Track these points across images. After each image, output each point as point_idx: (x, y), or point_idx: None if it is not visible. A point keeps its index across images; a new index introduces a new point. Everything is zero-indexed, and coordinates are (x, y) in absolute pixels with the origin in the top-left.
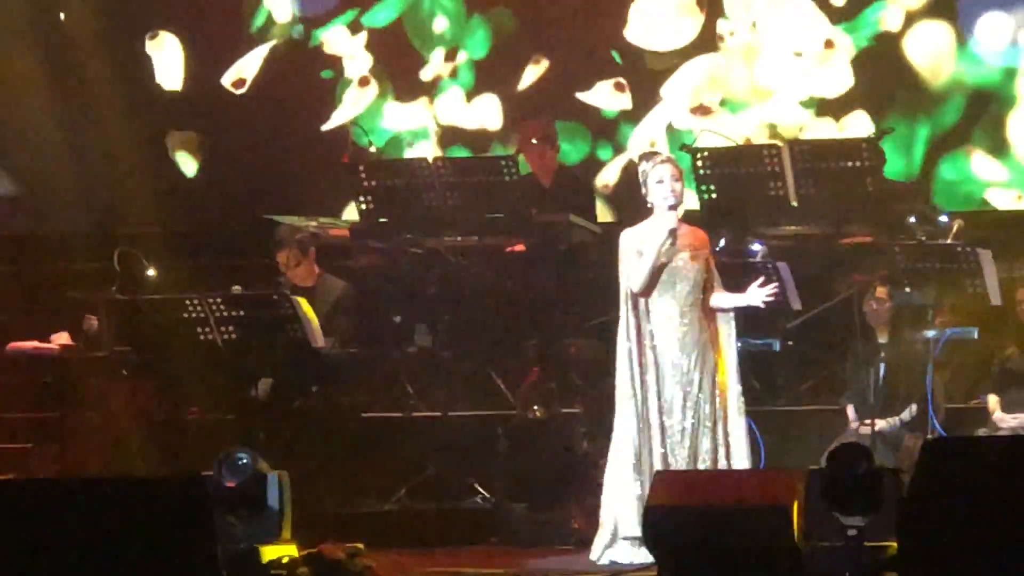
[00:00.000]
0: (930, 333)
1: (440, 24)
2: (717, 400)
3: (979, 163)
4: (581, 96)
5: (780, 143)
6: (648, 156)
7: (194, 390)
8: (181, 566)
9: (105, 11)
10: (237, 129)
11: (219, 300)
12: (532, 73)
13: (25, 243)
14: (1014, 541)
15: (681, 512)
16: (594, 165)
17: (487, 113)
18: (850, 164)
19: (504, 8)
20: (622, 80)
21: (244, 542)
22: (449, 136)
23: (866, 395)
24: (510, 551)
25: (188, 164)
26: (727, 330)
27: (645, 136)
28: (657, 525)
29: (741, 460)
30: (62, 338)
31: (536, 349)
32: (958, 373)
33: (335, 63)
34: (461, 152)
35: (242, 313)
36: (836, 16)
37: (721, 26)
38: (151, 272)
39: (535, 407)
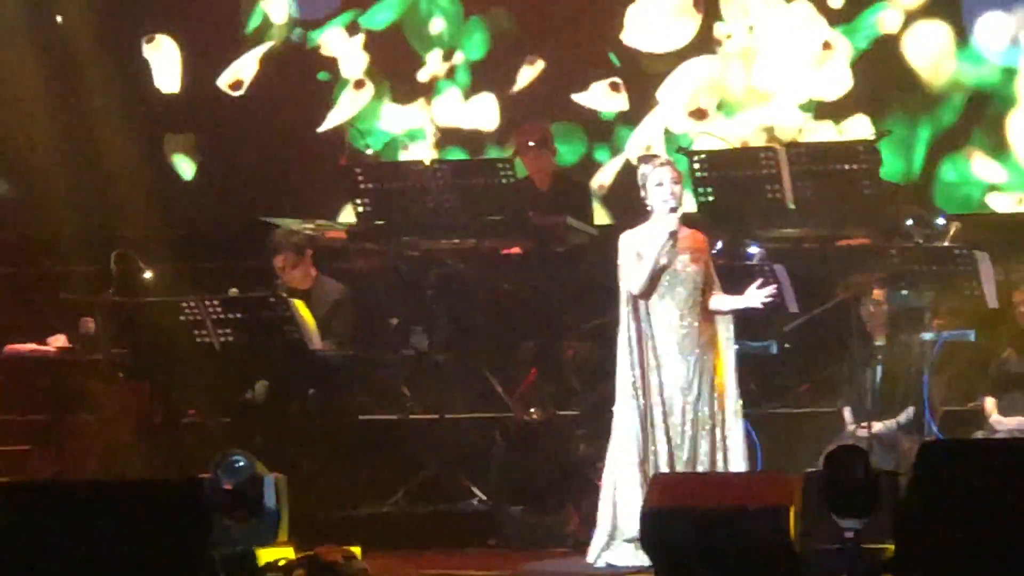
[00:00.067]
0: (927, 336)
1: (438, 25)
2: (715, 403)
3: (979, 165)
4: (577, 97)
5: (777, 146)
6: (647, 159)
7: (191, 393)
8: (178, 569)
9: (102, 13)
10: (234, 131)
11: (216, 303)
12: (527, 74)
13: (22, 245)
14: (1011, 543)
15: (678, 515)
16: (590, 166)
17: (484, 114)
18: (847, 167)
19: (502, 9)
20: (617, 80)
21: (241, 545)
22: (446, 137)
23: (863, 397)
24: (507, 553)
25: (185, 166)
26: (725, 332)
27: (642, 140)
28: (654, 528)
29: (738, 462)
30: (59, 340)
31: (533, 351)
32: (955, 376)
33: (332, 65)
34: (458, 154)
35: (239, 315)
36: (834, 18)
37: (718, 29)
38: (148, 274)
39: (532, 409)
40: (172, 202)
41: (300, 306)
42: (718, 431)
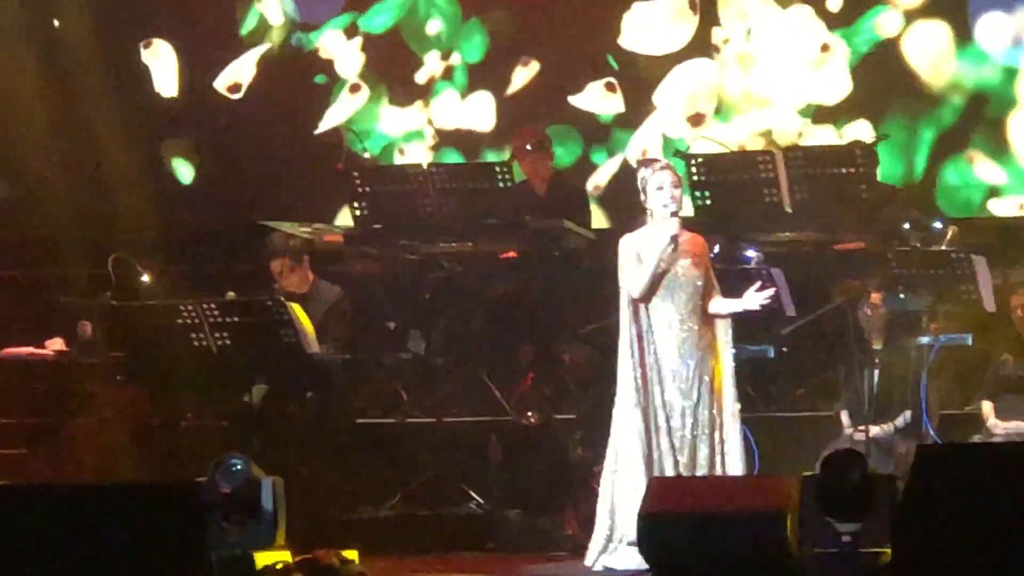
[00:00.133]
0: (924, 339)
1: (437, 27)
2: (714, 406)
3: (980, 167)
4: (573, 100)
5: (774, 150)
6: (647, 163)
7: (188, 396)
8: (175, 572)
9: (99, 17)
10: (232, 135)
11: (213, 306)
12: (521, 75)
13: (19, 248)
14: (1008, 547)
15: (675, 519)
16: (587, 168)
17: (483, 116)
18: (844, 170)
19: (501, 12)
20: (613, 80)
21: (238, 548)
22: (444, 139)
23: (860, 401)
24: (504, 557)
25: (183, 170)
26: (724, 336)
27: (640, 144)
28: (652, 532)
29: (736, 466)
30: (56, 344)
31: (530, 355)
32: (952, 379)
33: (331, 68)
34: (455, 156)
35: (236, 319)
36: (833, 22)
37: (716, 34)
38: (145, 278)
39: (529, 413)
40: (170, 205)
41: (297, 310)
42: (717, 435)
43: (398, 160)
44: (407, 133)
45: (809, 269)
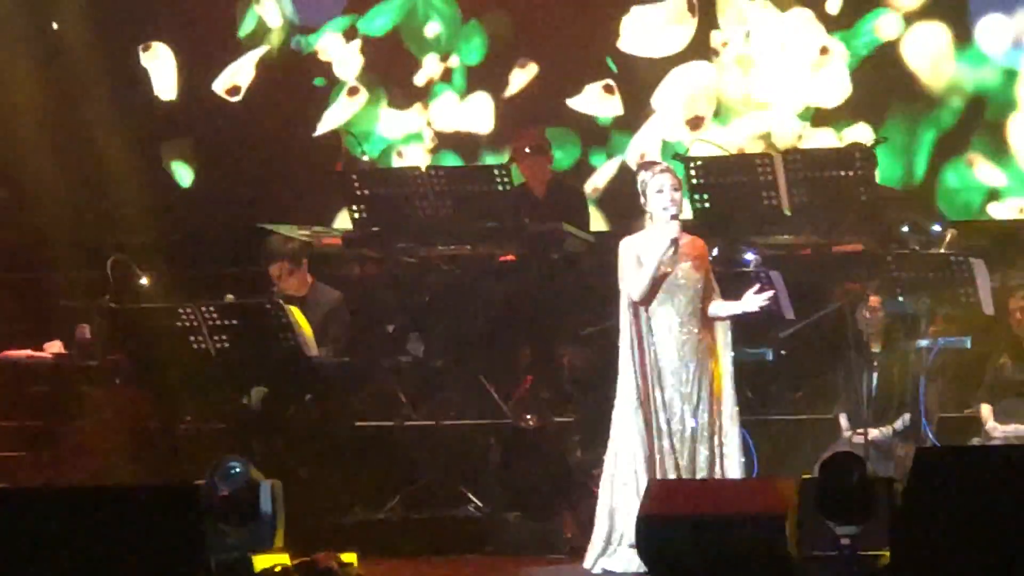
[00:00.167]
0: (923, 342)
1: (436, 29)
2: (713, 409)
3: (980, 170)
4: (572, 102)
5: (773, 152)
6: (647, 165)
7: (187, 399)
8: (174, 575)
9: (98, 19)
10: (230, 137)
11: (212, 309)
12: (520, 77)
13: (18, 251)
14: (1007, 550)
15: (674, 521)
16: (586, 170)
17: (481, 118)
18: (843, 173)
19: (500, 14)
20: (611, 82)
21: (237, 551)
22: (443, 141)
23: (859, 404)
24: (503, 560)
25: (183, 173)
26: (724, 339)
27: (639, 148)
28: (651, 534)
29: (734, 469)
30: (55, 347)
31: (529, 358)
32: (951, 382)
33: (330, 70)
34: (453, 158)
35: (235, 322)
36: (832, 25)
37: (715, 37)
38: (144, 281)
39: (528, 416)
40: (169, 208)
41: (296, 313)
42: (716, 438)
43: (396, 163)
44: (406, 135)
45: (808, 272)
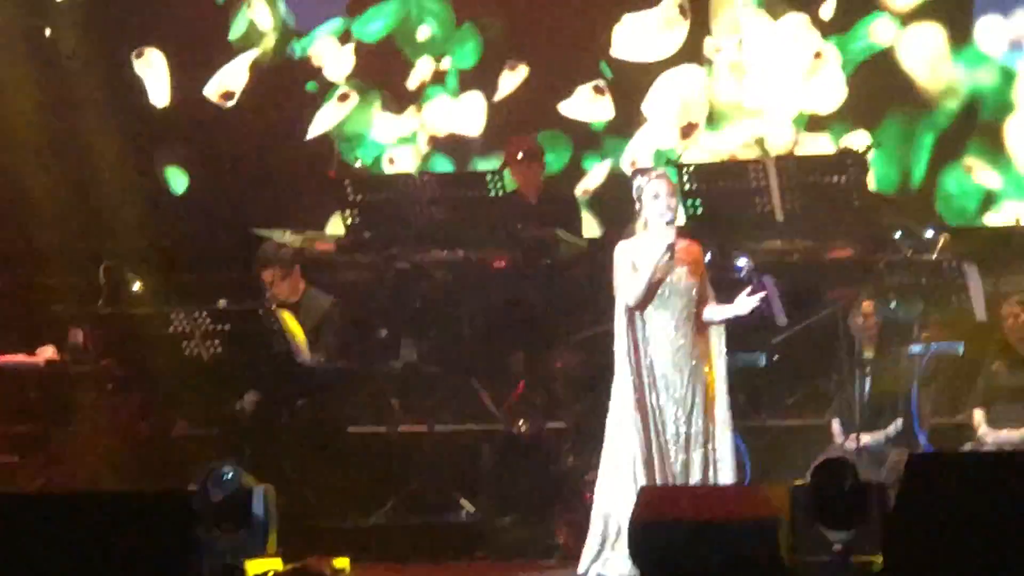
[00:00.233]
0: (916, 348)
1: (431, 33)
2: (707, 415)
3: (979, 174)
4: (563, 106)
5: (766, 158)
6: (643, 171)
7: (180, 404)
8: None
9: (91, 27)
10: (223, 142)
11: (205, 314)
12: (510, 79)
13: (10, 256)
14: (998, 556)
15: (667, 527)
16: (577, 174)
17: (475, 122)
18: (835, 179)
19: (494, 18)
20: (601, 83)
21: (229, 556)
22: (436, 145)
23: (852, 410)
24: (495, 565)
25: (176, 179)
26: (718, 344)
27: (632, 154)
28: (643, 540)
29: (727, 475)
30: (47, 352)
31: (522, 363)
32: (943, 388)
33: (324, 75)
34: (445, 162)
35: (228, 327)
36: (827, 29)
37: (708, 44)
38: (137, 286)
39: (520, 421)
40: (162, 214)
41: (288, 318)
42: (709, 443)
43: (388, 168)
44: (400, 139)
45: (800, 277)
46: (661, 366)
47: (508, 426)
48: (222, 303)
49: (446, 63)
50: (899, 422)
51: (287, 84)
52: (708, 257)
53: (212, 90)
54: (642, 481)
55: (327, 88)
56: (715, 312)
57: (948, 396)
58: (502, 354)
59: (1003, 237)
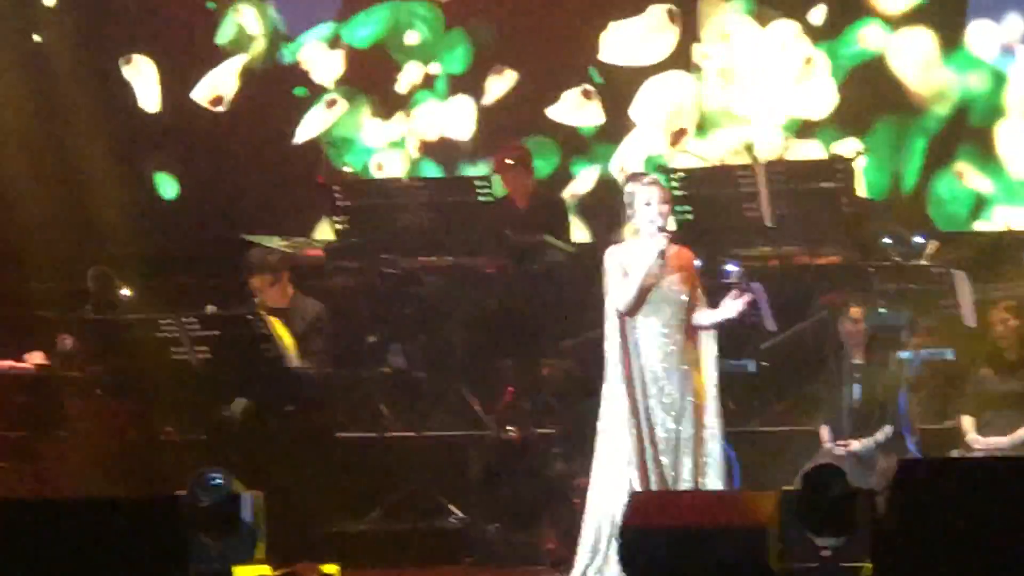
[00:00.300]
0: (905, 354)
1: (421, 39)
2: (697, 421)
3: (970, 179)
4: (551, 111)
5: (755, 164)
6: (635, 177)
7: (168, 410)
8: None
9: (80, 33)
10: (212, 148)
11: (193, 320)
12: (497, 84)
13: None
14: (988, 562)
15: (656, 533)
16: (566, 179)
17: (464, 126)
18: (824, 185)
19: (484, 23)
20: (589, 87)
21: (218, 562)
22: (426, 150)
23: (841, 416)
24: (484, 571)
25: (166, 184)
26: (709, 350)
27: (621, 160)
28: (632, 546)
29: (717, 481)
30: (36, 357)
31: (511, 369)
32: (933, 394)
33: (313, 80)
34: (434, 168)
35: (216, 333)
36: (818, 35)
37: (697, 50)
38: (125, 292)
39: (509, 427)
40: (151, 220)
41: (277, 324)
42: (699, 449)
43: (376, 174)
44: (390, 143)
45: (790, 284)
46: (651, 371)
47: (497, 432)
48: (211, 309)
49: (436, 68)
50: (888, 428)
51: (277, 89)
52: (697, 263)
53: (201, 95)
54: (635, 487)
55: (317, 93)
56: (703, 317)
57: (937, 402)
58: (491, 360)
59: (992, 243)
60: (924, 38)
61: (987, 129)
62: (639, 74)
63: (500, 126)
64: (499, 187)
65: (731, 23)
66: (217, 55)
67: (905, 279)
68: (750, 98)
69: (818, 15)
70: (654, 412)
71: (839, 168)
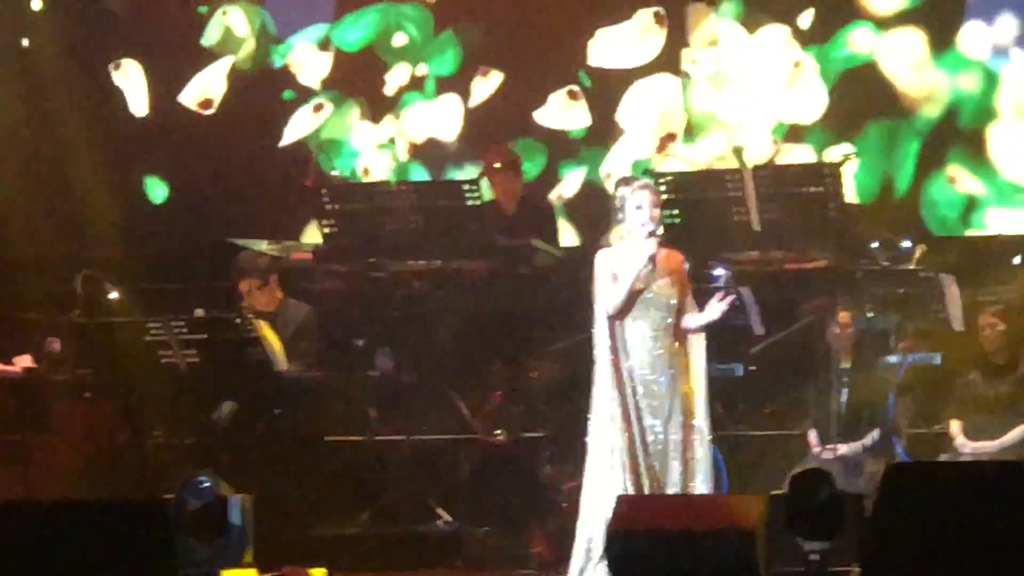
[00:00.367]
0: (893, 358)
1: (410, 41)
2: (685, 424)
3: (962, 182)
4: (538, 115)
5: (743, 168)
6: (626, 181)
7: (156, 413)
8: None
9: (69, 37)
10: (201, 151)
11: (181, 323)
12: (482, 86)
13: None
14: (976, 565)
15: (644, 537)
16: (553, 182)
17: (453, 127)
18: (813, 189)
19: (474, 26)
20: (575, 88)
21: (206, 566)
22: (415, 153)
23: (829, 420)
24: (472, 574)
25: (155, 188)
26: (698, 354)
27: (611, 164)
28: (620, 550)
29: (704, 485)
30: (24, 361)
31: (499, 373)
32: (921, 398)
33: (302, 82)
34: (422, 170)
35: (204, 336)
36: (807, 39)
37: (686, 55)
38: (113, 295)
39: (497, 431)
40: (140, 223)
41: (265, 328)
42: (687, 453)
43: (364, 177)
44: (378, 145)
45: (777, 288)
46: (640, 375)
47: (485, 435)
48: (199, 312)
49: (428, 73)
50: (876, 432)
51: (266, 93)
52: (685, 267)
53: (190, 98)
54: (627, 490)
55: (305, 96)
56: (690, 320)
57: (925, 406)
58: (479, 363)
59: (980, 247)
60: (915, 39)
61: (979, 131)
62: (626, 77)
63: (488, 128)
64: (487, 191)
65: (720, 28)
66: (206, 58)
67: (893, 283)
68: (739, 103)
69: (806, 19)
70: (643, 415)
71: (827, 173)
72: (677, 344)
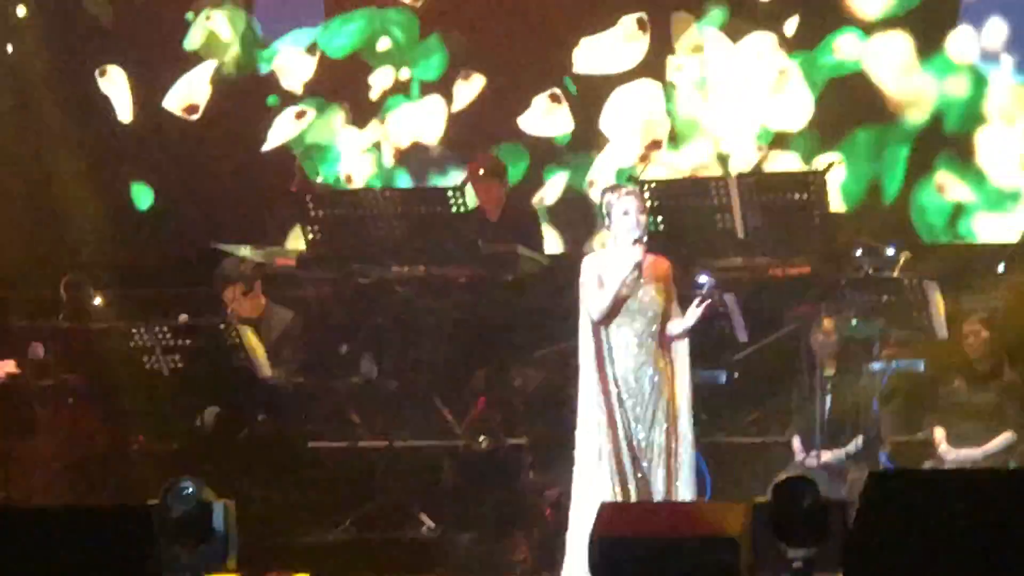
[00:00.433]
0: (876, 365)
1: (396, 47)
2: (669, 431)
3: (950, 188)
4: (522, 121)
5: (727, 176)
6: (613, 188)
7: (140, 419)
8: None
9: (53, 43)
10: (185, 157)
11: (165, 329)
12: (465, 90)
13: None
14: (959, 573)
15: (627, 544)
16: (536, 186)
17: (437, 130)
18: (797, 196)
19: (460, 32)
20: (557, 91)
21: (189, 572)
22: (399, 159)
23: (813, 427)
24: None
25: (140, 194)
26: (682, 361)
27: (595, 171)
28: (604, 557)
29: (688, 492)
30: (8, 366)
31: (482, 380)
32: (904, 406)
33: (288, 88)
34: (406, 176)
35: (188, 342)
36: (793, 46)
37: (671, 62)
38: (97, 301)
39: (481, 437)
40: (123, 229)
41: (249, 334)
42: (671, 460)
43: (348, 184)
44: (363, 151)
45: (762, 295)
46: (624, 381)
47: (468, 442)
48: (183, 318)
49: (414, 78)
50: (860, 439)
51: (252, 98)
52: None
53: (175, 103)
54: (618, 497)
55: (290, 102)
56: (672, 326)
57: (909, 414)
58: (463, 370)
59: (964, 255)
60: (902, 44)
61: (967, 136)
62: (611, 83)
63: (472, 132)
64: (472, 198)
65: (705, 36)
66: (191, 65)
67: (877, 291)
68: (725, 110)
69: (791, 26)
70: (630, 423)
71: (811, 181)
72: (662, 350)
